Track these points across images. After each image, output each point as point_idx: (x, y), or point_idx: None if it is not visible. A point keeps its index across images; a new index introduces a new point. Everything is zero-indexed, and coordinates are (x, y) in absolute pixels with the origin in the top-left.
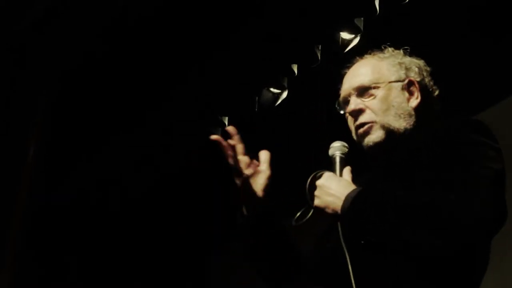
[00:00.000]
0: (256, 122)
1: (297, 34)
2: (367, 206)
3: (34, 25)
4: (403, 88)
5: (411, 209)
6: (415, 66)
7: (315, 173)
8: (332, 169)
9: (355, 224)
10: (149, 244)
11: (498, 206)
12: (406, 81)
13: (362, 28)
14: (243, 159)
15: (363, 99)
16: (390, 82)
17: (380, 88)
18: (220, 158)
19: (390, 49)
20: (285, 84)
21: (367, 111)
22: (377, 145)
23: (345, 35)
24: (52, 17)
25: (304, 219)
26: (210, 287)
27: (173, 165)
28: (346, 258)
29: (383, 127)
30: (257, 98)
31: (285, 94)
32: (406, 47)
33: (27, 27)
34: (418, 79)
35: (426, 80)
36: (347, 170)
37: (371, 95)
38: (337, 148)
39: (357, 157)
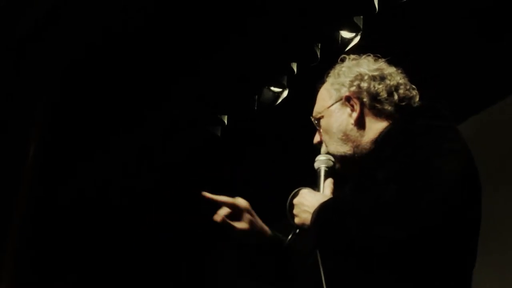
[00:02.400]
0: (255, 121)
1: (296, 33)
2: (326, 216)
3: (34, 25)
4: (343, 106)
5: (367, 207)
6: (347, 78)
7: (294, 192)
8: (317, 182)
9: (320, 234)
10: (149, 244)
11: (453, 187)
12: (343, 98)
13: (361, 27)
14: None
15: (320, 130)
16: (328, 107)
17: (324, 117)
18: (220, 158)
19: (340, 64)
20: (285, 83)
21: (323, 144)
22: (343, 171)
23: (344, 34)
24: (52, 17)
25: (292, 238)
26: (210, 287)
27: (173, 165)
28: (321, 274)
29: (335, 156)
30: (256, 97)
31: (285, 93)
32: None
33: (27, 27)
34: (353, 90)
35: (364, 85)
36: (328, 183)
37: (320, 126)
38: (322, 162)
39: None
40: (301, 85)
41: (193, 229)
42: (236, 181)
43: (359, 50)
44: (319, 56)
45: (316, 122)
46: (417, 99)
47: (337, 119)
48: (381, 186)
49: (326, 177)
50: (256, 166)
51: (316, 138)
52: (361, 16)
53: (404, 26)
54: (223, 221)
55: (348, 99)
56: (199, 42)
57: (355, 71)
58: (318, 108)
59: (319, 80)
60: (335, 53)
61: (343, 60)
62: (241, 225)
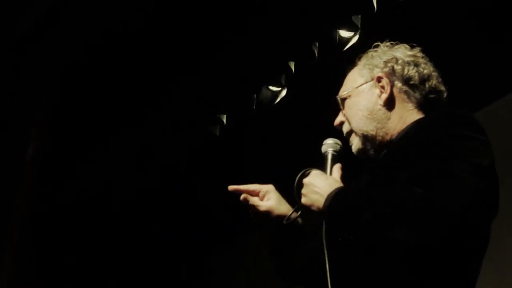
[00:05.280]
0: (254, 120)
1: (295, 32)
2: (343, 204)
3: (34, 25)
4: (374, 87)
5: (386, 205)
6: (382, 59)
7: (303, 171)
8: (324, 166)
9: (333, 221)
10: (149, 244)
11: (475, 200)
12: (375, 79)
13: (359, 26)
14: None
15: (343, 111)
16: (357, 87)
17: (351, 96)
18: (220, 158)
19: (373, 49)
20: (283, 82)
21: (346, 122)
22: (361, 151)
23: (342, 33)
24: (52, 17)
25: (294, 217)
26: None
27: (173, 165)
28: (325, 257)
29: (357, 134)
30: (255, 96)
31: (284, 92)
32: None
33: (27, 27)
34: (386, 71)
35: (398, 68)
36: (337, 168)
37: (344, 107)
38: (329, 145)
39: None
40: (299, 84)
41: (193, 229)
42: (236, 181)
43: (357, 49)
44: (317, 55)
45: (340, 102)
46: (445, 95)
47: (365, 98)
48: (402, 186)
49: (333, 161)
50: (255, 165)
51: (338, 119)
52: (360, 16)
53: (403, 25)
54: (245, 201)
55: (379, 80)
56: (199, 42)
57: (390, 54)
58: (345, 88)
59: (320, 77)
60: (333, 52)
61: (376, 47)
62: (261, 207)
